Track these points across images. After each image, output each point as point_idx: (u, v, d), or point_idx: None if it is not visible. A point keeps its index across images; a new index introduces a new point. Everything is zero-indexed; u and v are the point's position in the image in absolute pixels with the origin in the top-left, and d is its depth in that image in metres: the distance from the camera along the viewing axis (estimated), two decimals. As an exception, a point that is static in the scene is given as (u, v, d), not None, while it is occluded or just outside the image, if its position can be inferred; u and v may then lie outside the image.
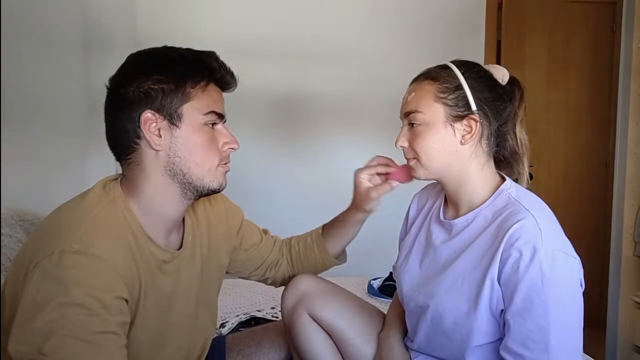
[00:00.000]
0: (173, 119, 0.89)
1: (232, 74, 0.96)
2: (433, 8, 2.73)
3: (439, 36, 2.71)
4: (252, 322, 1.67)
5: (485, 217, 1.00)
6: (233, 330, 1.58)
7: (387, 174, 1.14)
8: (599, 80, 3.03)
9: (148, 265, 0.90)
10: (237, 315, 1.70)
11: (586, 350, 1.08)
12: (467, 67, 1.03)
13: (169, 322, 0.95)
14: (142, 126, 0.88)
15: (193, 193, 0.94)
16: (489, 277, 0.93)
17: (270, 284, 1.31)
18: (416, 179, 1.06)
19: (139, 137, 0.89)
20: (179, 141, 0.90)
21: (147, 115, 0.88)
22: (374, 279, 2.10)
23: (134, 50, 0.95)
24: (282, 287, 1.29)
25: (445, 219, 1.08)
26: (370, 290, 2.03)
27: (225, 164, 0.97)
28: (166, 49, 0.94)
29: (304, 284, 1.21)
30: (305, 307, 1.18)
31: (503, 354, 0.93)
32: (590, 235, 3.01)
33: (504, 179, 1.03)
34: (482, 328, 0.96)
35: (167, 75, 0.89)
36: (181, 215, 0.98)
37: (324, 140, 2.73)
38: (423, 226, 1.15)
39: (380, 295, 1.98)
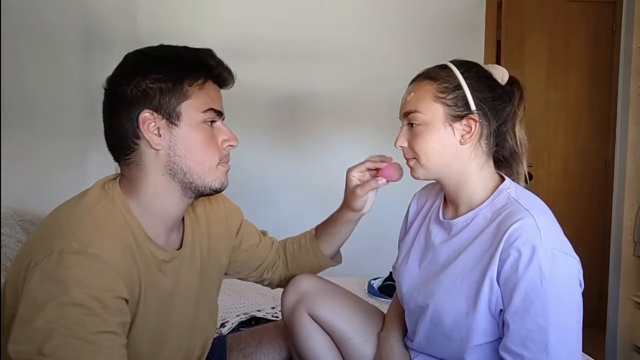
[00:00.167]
0: (171, 117, 0.89)
1: (229, 71, 0.96)
2: (433, 8, 2.73)
3: (439, 36, 2.71)
4: (253, 321, 1.67)
5: (484, 217, 1.00)
6: (233, 330, 1.58)
7: (377, 170, 1.14)
8: (599, 80, 3.03)
9: (148, 265, 0.90)
10: (238, 315, 1.70)
11: (586, 350, 1.08)
12: (467, 67, 1.03)
13: (169, 322, 0.95)
14: (141, 126, 0.88)
15: (194, 192, 0.94)
16: (488, 277, 0.93)
17: (267, 285, 1.31)
18: (415, 179, 1.06)
19: (138, 137, 0.89)
20: (178, 140, 0.90)
21: (146, 114, 0.88)
22: (374, 279, 2.10)
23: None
24: (279, 288, 1.28)
25: (444, 218, 1.08)
26: (370, 290, 2.03)
27: (225, 162, 0.96)
28: (163, 48, 0.93)
29: (304, 283, 1.21)
30: (305, 307, 1.18)
31: (502, 353, 0.93)
32: (590, 235, 3.01)
33: (503, 179, 1.04)
34: (482, 328, 0.96)
35: (165, 74, 0.89)
36: (181, 214, 0.98)
37: (324, 140, 2.73)
38: (422, 226, 1.15)
39: (380, 295, 1.98)
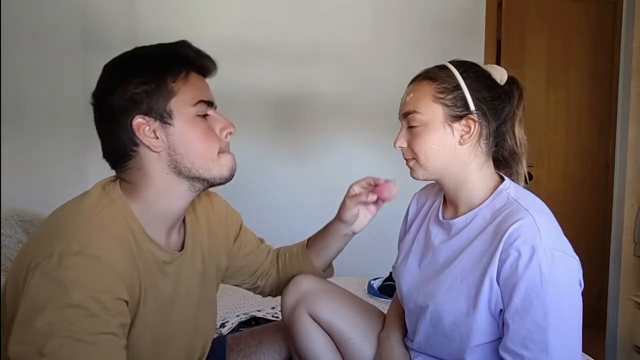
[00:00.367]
0: (164, 117, 0.88)
1: (209, 58, 0.94)
2: (433, 8, 2.73)
3: (439, 36, 2.71)
4: (253, 321, 1.67)
5: (484, 217, 1.00)
6: (233, 330, 1.58)
7: (374, 187, 1.15)
8: (599, 80, 3.03)
9: (148, 266, 0.90)
10: (238, 315, 1.70)
11: (586, 350, 1.08)
12: (466, 67, 1.03)
13: (170, 324, 0.95)
14: (136, 132, 0.88)
15: (203, 185, 0.94)
16: (488, 277, 0.93)
17: (259, 293, 1.30)
18: (415, 179, 1.06)
19: (136, 144, 0.89)
20: (175, 138, 0.89)
21: (139, 120, 0.87)
22: (374, 279, 2.10)
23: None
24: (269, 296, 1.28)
25: (444, 219, 1.08)
26: (370, 290, 2.03)
27: (227, 150, 0.95)
28: (137, 50, 0.92)
29: (304, 283, 1.21)
30: (305, 307, 1.18)
31: (502, 353, 0.93)
32: (590, 235, 3.01)
33: (502, 179, 1.04)
34: (482, 328, 0.96)
35: (146, 75, 0.88)
36: (183, 212, 0.97)
37: (324, 141, 2.73)
38: (422, 226, 1.15)
39: (380, 295, 1.98)
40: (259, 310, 1.74)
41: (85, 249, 0.79)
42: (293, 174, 2.74)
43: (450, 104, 1.00)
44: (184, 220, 1.02)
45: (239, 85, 2.59)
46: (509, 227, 0.92)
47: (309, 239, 1.27)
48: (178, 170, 0.91)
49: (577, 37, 3.01)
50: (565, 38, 3.01)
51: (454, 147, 1.00)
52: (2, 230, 1.43)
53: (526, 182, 1.08)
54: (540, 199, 1.01)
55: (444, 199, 1.11)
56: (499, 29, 2.89)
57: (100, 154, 0.94)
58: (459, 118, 1.00)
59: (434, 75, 1.02)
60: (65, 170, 2.17)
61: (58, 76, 2.15)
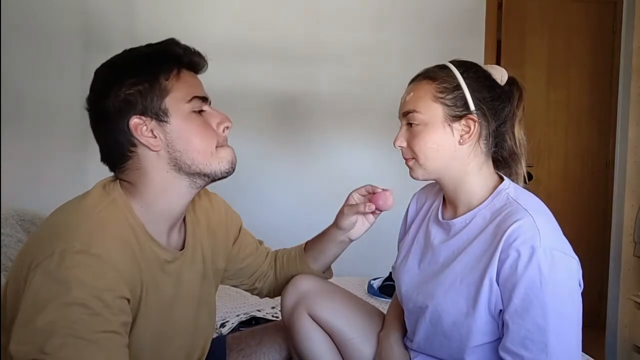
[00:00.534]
0: (160, 116, 0.89)
1: (199, 54, 0.95)
2: (433, 8, 2.73)
3: (439, 36, 2.71)
4: (253, 321, 1.67)
5: (483, 217, 1.00)
6: (233, 330, 1.58)
7: (373, 194, 1.16)
8: (599, 80, 3.02)
9: (150, 265, 0.90)
10: (238, 315, 1.70)
11: (586, 350, 1.08)
12: (466, 67, 1.03)
13: (170, 322, 0.95)
14: (134, 133, 0.88)
15: (204, 181, 0.94)
16: (487, 277, 0.93)
17: (256, 294, 1.31)
18: (414, 179, 1.06)
19: (134, 145, 0.89)
20: (173, 135, 0.89)
21: (135, 120, 0.88)
22: (374, 279, 2.11)
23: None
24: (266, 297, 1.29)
25: (443, 219, 1.08)
26: (370, 290, 2.03)
27: (225, 145, 0.95)
28: (127, 52, 0.93)
29: (304, 284, 1.21)
30: (305, 307, 1.18)
31: (502, 354, 0.93)
32: (590, 235, 3.01)
33: (502, 179, 1.04)
34: (481, 328, 0.96)
35: (138, 76, 0.88)
36: (184, 210, 0.97)
37: (324, 141, 2.73)
38: (422, 226, 1.15)
39: (380, 295, 1.98)
40: (259, 310, 1.74)
41: (86, 248, 0.79)
42: (293, 174, 2.74)
43: (450, 104, 1.00)
44: (184, 220, 1.02)
45: (239, 85, 2.59)
46: (509, 227, 0.92)
47: (307, 243, 1.27)
48: (178, 167, 0.91)
49: (577, 37, 3.01)
50: (565, 38, 3.01)
51: (454, 147, 1.00)
52: (2, 230, 1.43)
53: (525, 182, 1.08)
54: (540, 199, 1.01)
55: (444, 199, 1.11)
56: (499, 29, 2.89)
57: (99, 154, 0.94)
58: (458, 118, 1.00)
59: (435, 75, 1.02)
60: (65, 170, 2.17)
61: (58, 76, 2.15)
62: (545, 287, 0.87)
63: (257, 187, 2.63)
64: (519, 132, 1.06)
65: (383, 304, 1.78)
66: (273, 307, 1.79)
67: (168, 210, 0.94)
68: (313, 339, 1.18)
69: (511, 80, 1.06)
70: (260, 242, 1.29)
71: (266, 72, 2.65)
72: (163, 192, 0.92)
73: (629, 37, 2.47)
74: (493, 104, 1.02)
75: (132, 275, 0.85)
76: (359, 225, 1.19)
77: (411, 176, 1.06)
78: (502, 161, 1.07)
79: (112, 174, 0.95)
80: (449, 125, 1.00)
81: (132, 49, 0.93)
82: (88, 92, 0.92)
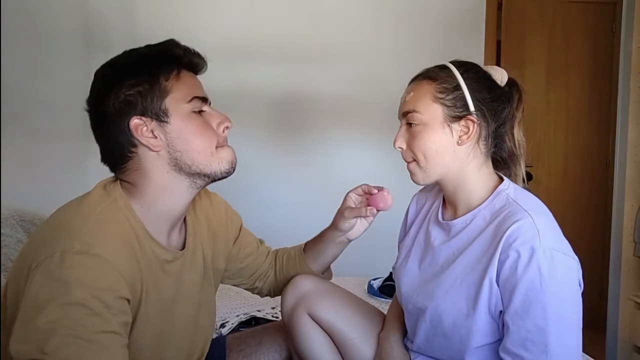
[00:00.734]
0: (160, 116, 0.89)
1: (198, 55, 0.95)
2: (433, 8, 2.73)
3: (439, 36, 2.71)
4: (253, 322, 1.67)
5: (483, 218, 1.00)
6: (233, 330, 1.58)
7: (369, 194, 1.15)
8: (599, 80, 3.03)
9: (150, 265, 0.90)
10: (238, 315, 1.70)
11: (586, 350, 1.08)
12: (466, 68, 1.03)
13: (171, 323, 0.96)
14: (134, 134, 0.88)
15: (204, 181, 0.94)
16: (487, 278, 0.93)
17: (257, 294, 1.31)
18: (415, 183, 1.06)
19: (134, 145, 0.89)
20: (173, 135, 0.90)
21: (135, 121, 0.88)
22: (374, 279, 2.11)
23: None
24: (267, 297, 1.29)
25: (443, 219, 1.08)
26: (370, 290, 2.03)
27: (225, 145, 0.95)
28: (127, 53, 0.93)
29: (304, 284, 1.21)
30: (305, 307, 1.18)
31: (502, 355, 0.93)
32: (590, 235, 3.01)
33: (502, 180, 1.03)
34: (482, 329, 0.96)
35: (138, 77, 0.88)
36: (185, 210, 0.98)
37: (324, 140, 2.74)
38: (422, 227, 1.15)
39: (380, 295, 1.98)
40: (259, 310, 1.74)
41: (87, 248, 0.79)
42: (293, 173, 2.74)
43: (450, 104, 0.99)
44: (185, 220, 1.02)
45: (239, 85, 2.59)
46: (508, 228, 0.92)
47: (306, 243, 1.27)
48: (179, 167, 0.91)
49: (577, 37, 3.01)
50: (565, 38, 3.02)
51: (453, 148, 1.00)
52: (2, 230, 1.43)
53: (524, 182, 1.08)
54: (540, 199, 1.01)
55: (443, 199, 1.11)
56: (499, 29, 2.90)
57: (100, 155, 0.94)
58: (458, 118, 1.00)
59: (435, 75, 1.02)
60: (65, 170, 2.17)
61: (59, 76, 2.15)
62: (545, 288, 0.87)
63: (257, 187, 2.63)
64: (518, 134, 1.06)
65: (383, 304, 1.78)
66: (273, 307, 1.79)
67: (168, 210, 0.94)
68: (313, 339, 1.17)
69: (511, 82, 1.06)
70: (261, 242, 1.29)
71: (266, 72, 2.65)
72: (163, 192, 0.92)
73: (628, 37, 2.47)
74: (493, 104, 1.01)
75: (133, 276, 0.85)
76: (357, 225, 1.19)
77: (412, 180, 1.06)
78: (501, 162, 1.07)
79: (112, 174, 0.95)
80: (448, 125, 1.00)
81: (132, 50, 0.93)
82: (88, 93, 0.92)
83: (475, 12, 2.77)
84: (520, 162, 1.07)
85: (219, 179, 0.96)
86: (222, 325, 1.62)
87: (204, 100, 0.94)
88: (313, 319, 1.18)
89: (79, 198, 0.91)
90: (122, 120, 0.88)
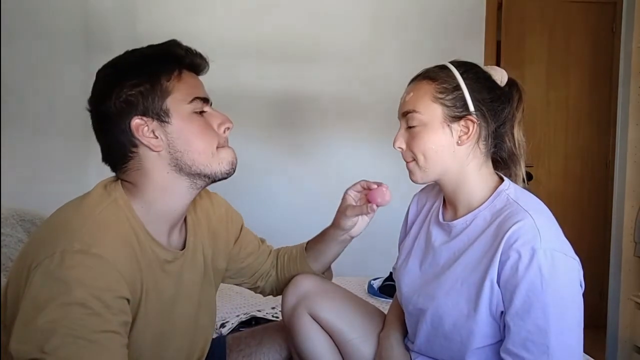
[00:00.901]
0: (161, 116, 0.89)
1: (200, 56, 0.95)
2: (433, 8, 2.73)
3: (439, 36, 2.71)
4: (253, 322, 1.67)
5: (484, 219, 0.99)
6: (233, 330, 1.58)
7: (368, 190, 1.15)
8: (599, 80, 3.03)
9: (150, 265, 0.90)
10: (238, 315, 1.70)
11: (586, 350, 1.08)
12: (466, 68, 1.03)
13: (170, 323, 0.95)
14: (135, 134, 0.88)
15: (204, 181, 0.94)
16: (488, 278, 0.93)
17: (259, 293, 1.31)
18: (414, 182, 1.06)
19: (135, 145, 0.89)
20: (174, 136, 0.90)
21: (137, 121, 0.88)
22: (374, 279, 2.11)
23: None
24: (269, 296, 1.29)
25: (444, 220, 1.08)
26: (370, 290, 2.03)
27: (226, 145, 0.95)
28: (129, 53, 0.93)
29: (305, 284, 1.21)
30: (306, 307, 1.18)
31: (503, 355, 0.93)
32: (590, 236, 3.01)
33: (502, 180, 1.03)
34: (482, 330, 0.96)
35: (140, 77, 0.88)
36: (185, 211, 0.98)
37: (324, 140, 2.74)
38: (422, 227, 1.14)
39: (380, 295, 1.98)
40: (259, 310, 1.74)
41: (87, 248, 0.79)
42: (293, 173, 2.74)
43: (449, 105, 0.99)
44: (185, 220, 1.02)
45: (240, 85, 2.59)
46: (509, 228, 0.91)
47: (308, 243, 1.27)
48: (179, 167, 0.91)
49: (577, 37, 3.02)
50: (565, 38, 3.02)
51: (452, 148, 1.00)
52: (2, 230, 1.43)
53: (524, 182, 1.08)
54: (540, 199, 1.01)
55: (444, 200, 1.11)
56: (499, 29, 2.90)
57: (100, 154, 0.94)
58: (457, 119, 0.99)
59: (434, 75, 1.02)
60: (65, 170, 2.17)
61: (59, 76, 2.15)
62: (546, 289, 0.87)
63: (256, 187, 2.63)
64: (518, 134, 1.06)
65: (383, 304, 1.78)
66: (273, 307, 1.79)
67: (168, 210, 0.94)
68: (313, 339, 1.18)
69: (511, 82, 1.06)
70: (262, 241, 1.29)
71: (266, 72, 2.65)
72: (164, 192, 0.92)
73: (628, 37, 2.47)
74: (492, 105, 1.01)
75: (133, 276, 0.85)
76: (359, 222, 1.18)
77: (411, 179, 1.06)
78: (501, 162, 1.07)
79: (112, 174, 0.95)
80: (448, 126, 1.00)
81: (133, 50, 0.93)
82: (89, 92, 0.92)
83: (475, 12, 2.77)
84: (520, 162, 1.07)
85: (219, 180, 0.96)
86: (222, 325, 1.62)
87: (205, 100, 0.94)
88: (313, 319, 1.18)
89: (79, 198, 0.91)
90: (123, 120, 0.88)
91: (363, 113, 2.72)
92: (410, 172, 1.05)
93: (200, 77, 0.97)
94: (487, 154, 1.03)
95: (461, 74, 1.01)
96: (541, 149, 3.02)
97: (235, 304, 1.86)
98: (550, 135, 3.04)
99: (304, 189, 2.72)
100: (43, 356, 0.72)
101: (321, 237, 1.23)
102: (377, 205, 1.13)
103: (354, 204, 1.17)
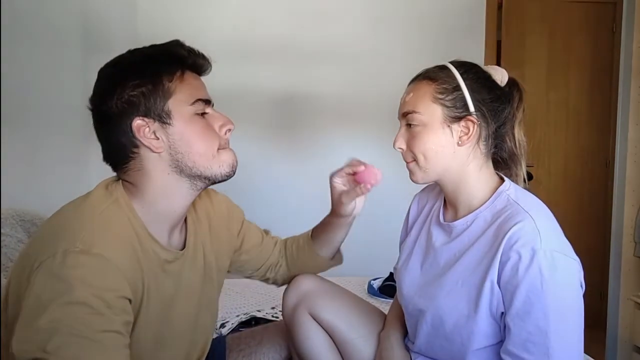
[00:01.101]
0: (162, 118, 0.88)
1: (203, 56, 0.94)
2: (433, 8, 2.73)
3: (439, 36, 2.71)
4: (252, 322, 1.67)
5: (484, 219, 0.99)
6: (233, 330, 1.58)
7: (355, 174, 1.11)
8: (599, 80, 3.03)
9: (151, 265, 0.90)
10: (237, 315, 1.70)
11: (586, 350, 1.08)
12: (466, 68, 1.02)
13: (170, 322, 0.95)
14: (136, 134, 0.88)
15: (204, 183, 0.94)
16: (488, 279, 0.93)
17: (272, 284, 1.31)
18: (414, 182, 1.06)
19: (136, 146, 0.89)
20: (175, 137, 0.89)
21: (138, 122, 0.87)
22: (374, 279, 2.11)
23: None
24: (283, 287, 1.28)
25: (444, 221, 1.08)
26: (370, 290, 2.03)
27: (227, 147, 0.95)
28: (131, 53, 0.92)
29: (306, 283, 1.21)
30: (307, 306, 1.18)
31: (504, 356, 0.92)
32: (590, 236, 3.01)
33: (502, 180, 1.03)
34: (483, 331, 0.95)
35: (141, 77, 0.88)
36: (185, 211, 0.97)
37: (324, 140, 2.74)
38: (423, 228, 1.14)
39: (381, 295, 1.98)
40: (259, 310, 1.75)
41: (89, 248, 0.79)
42: (293, 173, 2.74)
43: (449, 105, 0.99)
44: (185, 220, 1.02)
45: (240, 85, 2.59)
46: (509, 229, 0.91)
47: (312, 232, 1.26)
48: (179, 169, 0.91)
49: (577, 37, 3.02)
50: (565, 38, 3.02)
51: (453, 148, 1.00)
52: (2, 230, 1.43)
53: (525, 182, 1.08)
54: (540, 199, 1.01)
55: (444, 200, 1.11)
56: (499, 29, 2.90)
57: (101, 154, 0.94)
58: (458, 119, 0.99)
59: (434, 76, 1.01)
60: (66, 170, 2.17)
61: (59, 76, 2.15)
62: (546, 290, 0.87)
63: (257, 187, 2.63)
64: (519, 134, 1.05)
65: (383, 304, 1.78)
66: (273, 307, 1.79)
67: (169, 211, 0.94)
68: (314, 339, 1.18)
69: (511, 82, 1.05)
70: (267, 233, 1.28)
71: (267, 72, 2.65)
72: (164, 193, 0.92)
73: (628, 37, 2.47)
74: (493, 105, 1.01)
75: (134, 276, 0.85)
76: (357, 203, 1.14)
77: (411, 179, 1.05)
78: (501, 162, 1.07)
79: (113, 174, 0.95)
80: (448, 126, 0.99)
81: (135, 50, 0.93)
82: (89, 92, 0.92)
83: (475, 12, 2.77)
84: (521, 163, 1.07)
85: (219, 182, 0.96)
86: (222, 325, 1.62)
87: (207, 102, 0.94)
88: (314, 319, 1.18)
89: (80, 198, 0.91)
90: (124, 121, 0.88)
91: (363, 113, 2.72)
92: (411, 173, 1.05)
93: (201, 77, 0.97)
94: (487, 154, 1.03)
95: (461, 74, 1.01)
96: (541, 149, 3.02)
97: (235, 304, 1.86)
98: (550, 135, 3.05)
99: (304, 188, 2.72)
100: (45, 356, 0.72)
101: (325, 227, 1.22)
102: (372, 185, 1.09)
103: (345, 188, 1.13)
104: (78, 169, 2.22)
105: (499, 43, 2.92)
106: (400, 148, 1.04)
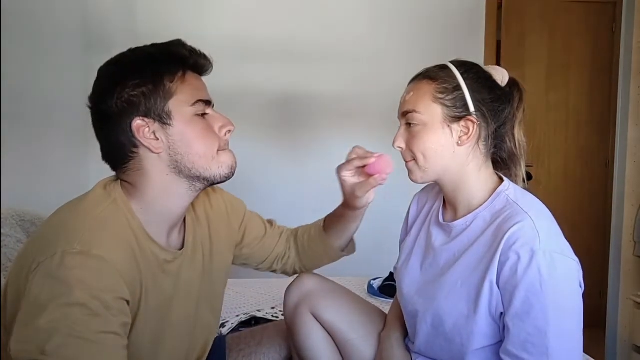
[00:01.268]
0: (163, 118, 0.88)
1: (204, 57, 0.94)
2: (433, 8, 2.73)
3: (439, 36, 2.71)
4: (252, 322, 1.67)
5: (484, 219, 0.99)
6: (233, 330, 1.58)
7: (365, 166, 1.07)
8: (599, 80, 3.03)
9: (149, 266, 0.90)
10: (237, 315, 1.70)
11: (586, 350, 1.08)
12: (466, 68, 1.02)
13: (168, 322, 0.95)
14: (136, 135, 0.87)
15: (203, 184, 0.94)
16: (488, 280, 0.93)
17: (283, 274, 1.29)
18: (413, 182, 1.05)
19: (135, 146, 0.89)
20: (175, 138, 0.89)
21: (138, 122, 0.87)
22: (374, 279, 2.11)
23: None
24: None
25: (444, 221, 1.08)
26: (370, 290, 2.03)
27: (226, 148, 0.95)
28: (132, 52, 0.92)
29: (308, 283, 1.21)
30: (308, 306, 1.18)
31: (503, 357, 0.92)
32: (590, 235, 3.02)
33: (502, 180, 1.03)
34: (482, 331, 0.95)
35: (143, 77, 0.87)
36: (184, 211, 0.97)
37: (323, 140, 2.74)
38: (423, 228, 1.14)
39: (381, 295, 1.98)
40: (259, 310, 1.75)
41: (87, 249, 0.79)
42: (293, 173, 2.74)
43: (449, 105, 0.99)
44: (184, 220, 1.02)
45: (240, 84, 2.59)
46: (508, 229, 0.91)
47: (325, 221, 1.23)
48: (179, 170, 0.91)
49: (577, 37, 3.02)
50: (565, 38, 3.02)
51: (452, 148, 1.00)
52: (2, 230, 1.43)
53: (524, 182, 1.07)
54: (540, 199, 1.01)
55: (444, 200, 1.11)
56: (499, 29, 2.90)
57: (100, 154, 0.94)
58: (458, 119, 0.99)
59: (435, 75, 1.01)
60: (65, 170, 2.17)
61: (58, 76, 2.15)
62: (545, 290, 0.87)
63: (257, 187, 2.63)
64: (519, 134, 1.05)
65: (383, 304, 1.78)
66: (273, 307, 1.79)
67: (167, 211, 0.94)
68: (314, 338, 1.18)
69: (512, 82, 1.05)
70: (271, 224, 1.26)
71: (266, 72, 2.65)
72: (162, 193, 0.91)
73: (628, 37, 2.47)
74: (493, 105, 1.01)
75: (132, 277, 0.85)
76: (371, 194, 1.10)
77: (410, 179, 1.05)
78: (501, 162, 1.07)
79: (112, 173, 0.95)
80: (448, 126, 0.99)
81: (136, 49, 0.92)
82: (88, 91, 0.91)
83: (475, 12, 2.77)
84: (520, 163, 1.06)
85: (218, 183, 0.95)
86: (222, 325, 1.62)
87: (208, 103, 0.93)
88: (315, 318, 1.18)
89: (79, 198, 0.91)
90: (124, 121, 0.87)
91: (363, 113, 2.72)
92: (410, 172, 1.05)
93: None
94: (487, 155, 1.03)
95: (462, 74, 1.00)
96: (541, 149, 3.02)
97: (235, 304, 1.86)
98: (550, 135, 3.05)
99: (304, 188, 2.72)
100: (43, 357, 0.72)
101: (339, 219, 1.19)
102: (386, 174, 1.06)
103: (356, 181, 1.10)
104: (78, 168, 2.22)
105: (498, 43, 2.92)
106: (399, 147, 1.04)
